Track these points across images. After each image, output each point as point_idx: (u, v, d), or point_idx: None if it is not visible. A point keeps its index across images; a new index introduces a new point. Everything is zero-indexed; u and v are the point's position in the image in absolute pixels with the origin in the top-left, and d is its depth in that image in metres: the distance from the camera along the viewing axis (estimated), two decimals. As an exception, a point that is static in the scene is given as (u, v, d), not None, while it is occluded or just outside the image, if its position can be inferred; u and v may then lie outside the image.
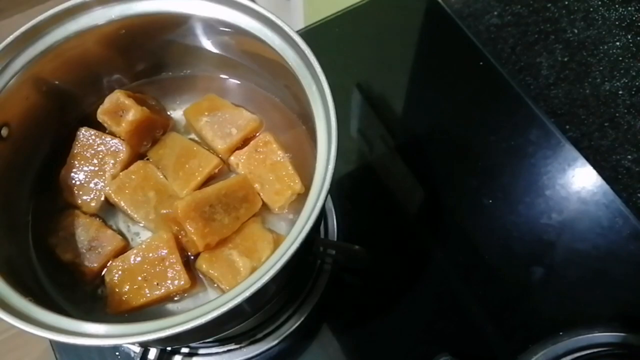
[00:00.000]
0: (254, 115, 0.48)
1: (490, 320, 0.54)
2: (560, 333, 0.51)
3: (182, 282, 0.41)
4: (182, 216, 0.40)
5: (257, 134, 0.48)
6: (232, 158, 0.46)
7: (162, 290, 0.41)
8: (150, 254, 0.42)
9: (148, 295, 0.41)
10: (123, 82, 0.50)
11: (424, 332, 0.54)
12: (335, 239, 0.58)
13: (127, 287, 0.41)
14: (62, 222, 0.44)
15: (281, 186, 0.44)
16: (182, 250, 0.42)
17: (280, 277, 0.33)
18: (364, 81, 0.69)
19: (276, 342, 0.53)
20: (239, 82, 0.51)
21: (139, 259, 0.42)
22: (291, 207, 0.45)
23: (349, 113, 0.67)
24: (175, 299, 0.42)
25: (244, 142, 0.47)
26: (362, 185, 0.63)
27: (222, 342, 0.53)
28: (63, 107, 0.48)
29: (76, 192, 0.45)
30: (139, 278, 0.41)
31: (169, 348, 0.52)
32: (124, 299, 0.41)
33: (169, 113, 0.50)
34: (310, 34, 0.72)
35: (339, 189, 0.61)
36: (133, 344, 0.48)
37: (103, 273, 0.43)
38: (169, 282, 0.41)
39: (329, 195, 0.59)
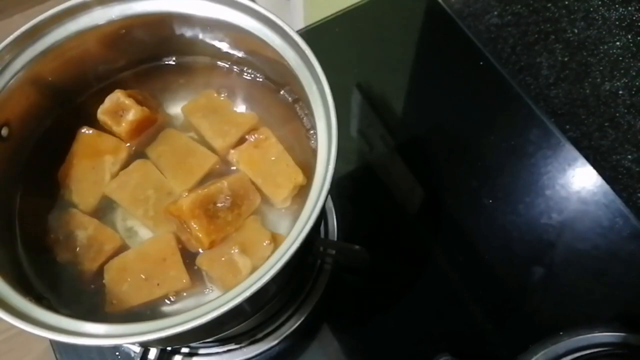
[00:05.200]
0: (252, 113, 0.48)
1: (490, 320, 0.55)
2: (560, 333, 0.51)
3: (183, 282, 0.41)
4: (188, 214, 0.40)
5: (256, 130, 0.48)
6: (231, 155, 0.46)
7: (163, 290, 0.41)
8: (151, 253, 0.42)
9: (148, 294, 0.41)
10: (122, 80, 0.50)
11: (424, 332, 0.54)
12: (335, 239, 0.58)
13: (127, 286, 0.41)
14: (59, 220, 0.44)
15: (283, 179, 0.44)
16: (182, 249, 0.43)
17: (280, 277, 0.33)
18: (364, 81, 0.69)
19: (276, 342, 0.53)
20: (238, 76, 0.51)
21: (139, 258, 0.42)
22: (293, 202, 0.45)
23: (349, 113, 0.67)
24: (176, 298, 0.42)
25: (243, 139, 0.47)
26: (362, 185, 0.63)
27: (222, 342, 0.53)
28: (63, 107, 0.48)
29: (74, 190, 0.45)
30: (139, 277, 0.41)
31: (169, 348, 0.52)
32: (123, 298, 0.41)
33: (167, 109, 0.50)
34: (310, 34, 0.72)
35: (339, 189, 0.61)
36: (133, 344, 0.48)
37: (101, 272, 0.43)
38: (170, 281, 0.41)
39: (329, 195, 0.59)
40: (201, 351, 0.53)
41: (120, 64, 0.49)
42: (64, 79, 0.46)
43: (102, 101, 0.46)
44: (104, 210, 0.46)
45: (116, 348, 0.53)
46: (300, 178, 0.44)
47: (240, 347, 0.53)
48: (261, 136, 0.46)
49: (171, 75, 0.51)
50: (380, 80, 0.69)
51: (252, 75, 0.50)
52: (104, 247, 0.43)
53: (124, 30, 0.45)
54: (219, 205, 0.42)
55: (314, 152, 0.38)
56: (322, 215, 0.42)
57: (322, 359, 0.53)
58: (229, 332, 0.50)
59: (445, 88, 0.68)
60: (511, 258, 0.57)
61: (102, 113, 0.46)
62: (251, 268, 0.41)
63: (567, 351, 0.50)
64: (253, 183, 0.45)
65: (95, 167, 0.45)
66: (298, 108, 0.47)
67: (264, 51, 0.43)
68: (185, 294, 0.42)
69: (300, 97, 0.42)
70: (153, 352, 0.50)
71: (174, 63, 0.50)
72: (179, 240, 0.43)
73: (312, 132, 0.44)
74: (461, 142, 0.65)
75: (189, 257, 0.43)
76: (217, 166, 0.46)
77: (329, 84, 0.38)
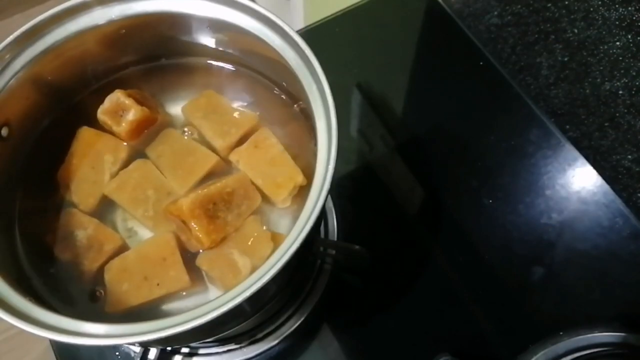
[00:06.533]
0: (252, 113, 0.48)
1: (490, 320, 0.55)
2: (560, 333, 0.51)
3: (183, 282, 0.41)
4: (188, 214, 0.40)
5: (256, 130, 0.48)
6: (232, 155, 0.46)
7: (163, 290, 0.41)
8: (151, 253, 0.42)
9: (148, 294, 0.41)
10: (122, 79, 0.50)
11: (424, 332, 0.54)
12: (335, 239, 0.58)
13: (127, 286, 0.41)
14: (59, 220, 0.44)
15: (283, 179, 0.44)
16: (182, 249, 0.43)
17: (280, 277, 0.33)
18: (364, 81, 0.69)
19: (276, 342, 0.53)
20: (238, 75, 0.51)
21: (139, 258, 0.42)
22: (293, 201, 0.45)
23: (349, 113, 0.67)
24: (175, 298, 0.42)
25: (243, 139, 0.47)
26: (362, 185, 0.63)
27: (222, 342, 0.53)
28: (62, 106, 0.48)
29: (74, 190, 0.45)
30: (140, 277, 0.41)
31: (169, 348, 0.52)
32: (123, 298, 0.41)
33: (167, 109, 0.50)
34: (310, 34, 0.72)
35: (339, 189, 0.61)
36: (133, 344, 0.48)
37: (102, 272, 0.43)
38: (170, 281, 0.41)
39: (329, 195, 0.59)
40: (201, 351, 0.53)
41: (120, 63, 0.49)
42: (64, 79, 0.46)
43: (101, 101, 0.46)
44: (104, 210, 0.46)
45: (116, 348, 0.53)
46: (300, 178, 0.44)
47: (240, 347, 0.53)
48: (261, 136, 0.46)
49: (171, 75, 0.51)
50: (380, 80, 0.69)
51: (252, 76, 0.50)
52: (104, 247, 0.43)
53: (124, 30, 0.45)
54: (219, 205, 0.42)
55: (314, 152, 0.38)
56: (322, 215, 0.42)
57: (322, 359, 0.53)
58: (229, 332, 0.50)
59: (445, 88, 0.68)
60: (511, 258, 0.57)
61: (102, 113, 0.46)
62: (251, 268, 0.41)
63: (567, 351, 0.50)
64: (253, 183, 0.45)
65: (95, 166, 0.46)
66: (298, 108, 0.47)
67: (263, 51, 0.43)
68: (185, 293, 0.42)
69: (300, 97, 0.42)
70: (153, 352, 0.50)
71: (173, 63, 0.51)
72: (178, 240, 0.43)
73: (312, 132, 0.44)
74: (461, 142, 0.65)
75: (188, 257, 0.43)
76: (218, 166, 0.46)
77: (329, 84, 0.38)
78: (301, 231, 0.33)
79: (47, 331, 0.32)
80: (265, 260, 0.33)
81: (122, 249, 0.44)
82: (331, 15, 0.73)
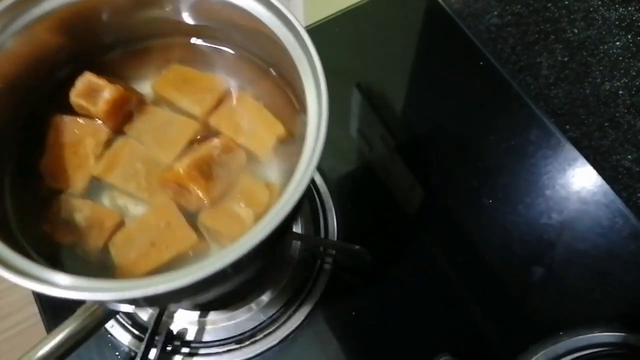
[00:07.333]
0: (223, 77, 0.48)
1: (490, 320, 0.55)
2: (560, 333, 0.51)
3: (192, 240, 0.41)
4: (186, 177, 0.41)
5: (231, 93, 0.48)
6: (211, 119, 0.46)
7: (173, 252, 0.41)
8: (154, 221, 0.42)
9: (158, 258, 0.41)
10: (89, 61, 0.48)
11: (424, 332, 0.54)
12: (335, 239, 0.58)
13: (135, 255, 0.41)
14: (52, 209, 0.43)
15: (265, 133, 0.45)
16: (183, 212, 0.43)
17: (285, 225, 0.32)
18: (364, 81, 0.69)
19: (276, 342, 0.53)
20: (207, 46, 0.50)
21: (143, 227, 0.42)
22: (277, 154, 0.45)
23: (349, 113, 0.67)
24: (184, 261, 0.42)
25: (219, 103, 0.47)
26: (362, 185, 0.63)
27: (221, 341, 0.53)
28: (31, 100, 0.46)
29: (60, 177, 0.44)
30: (146, 244, 0.41)
31: (169, 348, 0.52)
32: (133, 268, 0.41)
33: (138, 89, 0.49)
34: (310, 34, 0.70)
35: (339, 188, 0.61)
36: (122, 301, 0.47)
37: (107, 249, 0.42)
38: (178, 242, 0.41)
39: (329, 195, 0.60)
40: (201, 351, 0.53)
41: (88, 44, 0.47)
42: (28, 67, 0.44)
43: (70, 84, 0.44)
44: (92, 193, 0.45)
45: (115, 347, 0.53)
46: (280, 130, 0.45)
47: (240, 347, 0.53)
48: (236, 98, 0.47)
49: (137, 55, 0.50)
50: (380, 80, 0.69)
51: (222, 48, 0.49)
52: (104, 224, 0.42)
53: (97, 10, 0.44)
54: (211, 165, 0.42)
55: (293, 107, 0.38)
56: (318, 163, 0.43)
57: (322, 359, 0.53)
58: (215, 293, 0.49)
59: (445, 88, 0.68)
60: (511, 258, 0.57)
61: (76, 96, 0.44)
62: (254, 216, 0.41)
63: (567, 351, 0.50)
64: (236, 142, 0.45)
65: (77, 152, 0.45)
66: (273, 71, 0.47)
67: (247, 21, 0.42)
68: (192, 254, 0.42)
69: (277, 58, 0.42)
70: (153, 352, 0.50)
71: (137, 47, 0.50)
72: (178, 206, 0.43)
73: (289, 88, 0.45)
74: (461, 142, 0.65)
75: (190, 219, 0.43)
76: (200, 131, 0.46)
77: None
78: (303, 176, 0.34)
79: (13, 274, 0.31)
80: (266, 207, 0.33)
81: (122, 224, 0.43)
82: (331, 15, 0.73)
